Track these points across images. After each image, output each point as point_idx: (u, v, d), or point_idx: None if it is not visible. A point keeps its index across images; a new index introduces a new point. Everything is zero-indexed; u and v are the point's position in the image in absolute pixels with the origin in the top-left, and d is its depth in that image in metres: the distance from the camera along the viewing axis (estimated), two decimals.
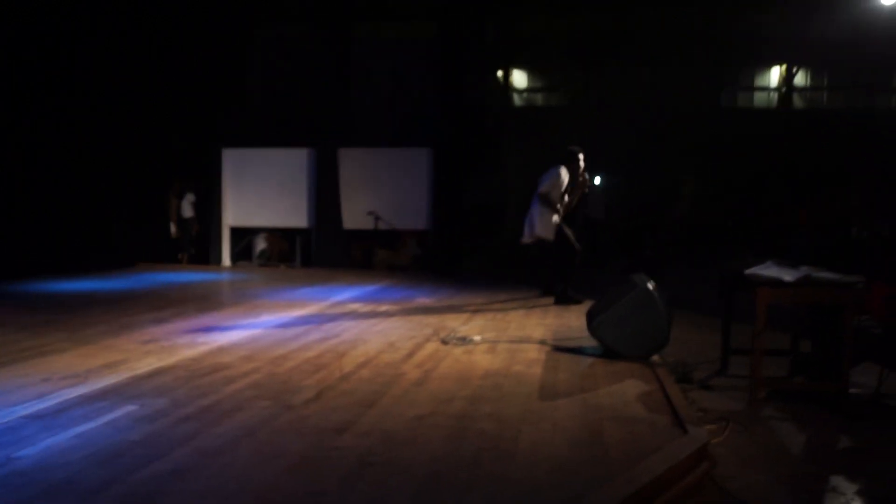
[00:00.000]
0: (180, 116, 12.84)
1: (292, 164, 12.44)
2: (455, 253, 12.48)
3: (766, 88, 19.84)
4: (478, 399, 3.93)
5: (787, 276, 4.69)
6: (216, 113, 12.75)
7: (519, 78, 20.73)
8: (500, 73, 19.83)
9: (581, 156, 8.00)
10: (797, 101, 19.70)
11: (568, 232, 8.00)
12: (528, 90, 20.87)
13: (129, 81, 11.25)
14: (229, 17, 12.89)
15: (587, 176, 8.16)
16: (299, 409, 3.65)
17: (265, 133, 13.72)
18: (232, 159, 12.56)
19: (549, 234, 7.85)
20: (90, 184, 10.67)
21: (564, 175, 7.93)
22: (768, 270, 4.80)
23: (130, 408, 3.65)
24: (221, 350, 5.17)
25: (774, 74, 19.74)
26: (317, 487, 2.68)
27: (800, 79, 19.70)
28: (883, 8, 13.85)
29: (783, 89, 19.52)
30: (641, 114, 18.46)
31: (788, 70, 19.39)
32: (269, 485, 2.70)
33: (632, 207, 16.03)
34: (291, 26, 15.14)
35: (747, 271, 4.85)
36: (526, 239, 8.12)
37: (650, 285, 5.02)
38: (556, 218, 7.82)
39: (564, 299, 7.90)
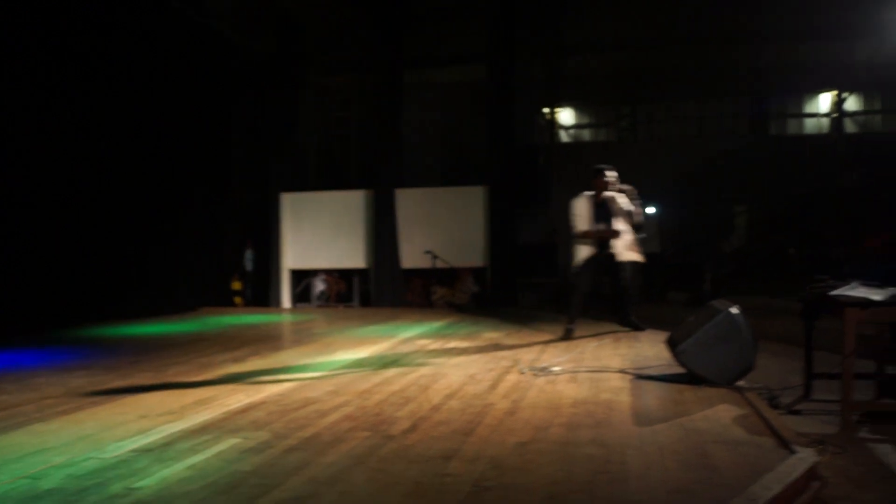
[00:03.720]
0: (237, 163, 13.23)
1: (349, 205, 12.66)
2: (511, 289, 12.50)
3: (817, 115, 19.68)
4: (575, 426, 3.92)
5: (876, 295, 4.63)
6: (272, 159, 13.06)
7: (566, 115, 20.87)
8: (546, 111, 19.97)
9: (606, 172, 7.56)
10: (849, 125, 19.48)
11: (588, 262, 7.56)
12: (576, 126, 20.99)
13: (185, 132, 11.61)
14: (283, 65, 13.26)
15: (623, 187, 7.63)
16: (400, 439, 3.68)
17: (321, 177, 14.02)
18: (290, 203, 12.82)
19: (576, 261, 7.66)
20: (151, 232, 10.96)
21: (578, 202, 7.62)
22: (855, 291, 4.74)
23: (234, 440, 3.71)
24: (306, 386, 5.23)
25: (824, 100, 19.58)
26: None
27: (851, 103, 19.50)
28: None
29: (834, 115, 19.34)
30: (690, 146, 18.47)
31: (839, 95, 19.21)
32: None
33: (686, 240, 15.90)
34: (344, 74, 15.53)
35: (833, 292, 4.80)
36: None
37: (734, 309, 4.98)
38: (583, 250, 7.54)
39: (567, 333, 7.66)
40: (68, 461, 3.41)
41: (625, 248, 7.64)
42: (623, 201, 7.59)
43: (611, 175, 7.60)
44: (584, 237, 7.57)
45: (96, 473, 3.21)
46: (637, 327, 7.99)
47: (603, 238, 7.55)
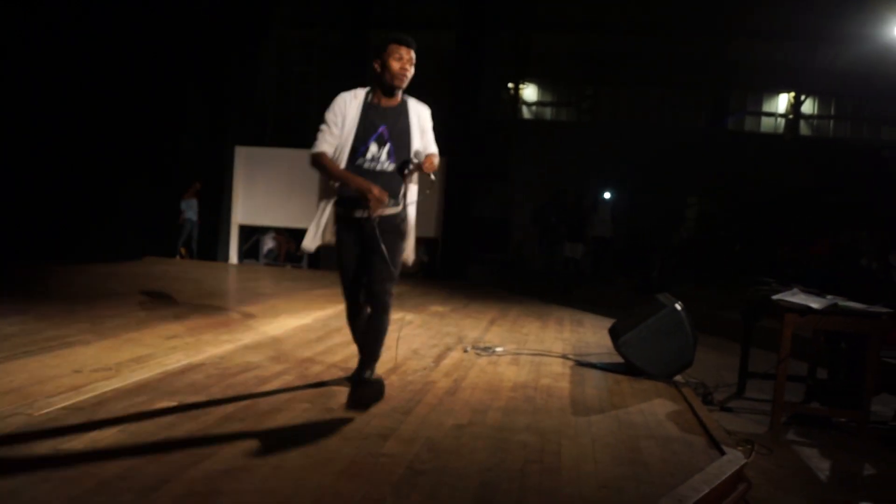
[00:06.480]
0: (193, 113, 12.90)
1: (305, 164, 12.42)
2: (462, 262, 12.53)
3: (774, 114, 20.01)
4: (512, 411, 3.96)
5: (815, 303, 4.76)
6: (229, 111, 12.78)
7: (530, 91, 20.83)
8: (511, 85, 19.92)
9: (406, 49, 3.71)
10: (804, 128, 19.87)
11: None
12: (538, 104, 20.98)
13: (142, 78, 11.25)
14: (245, 16, 12.92)
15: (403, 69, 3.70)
16: (339, 413, 3.66)
17: (277, 133, 13.79)
18: (244, 157, 12.58)
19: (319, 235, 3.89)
20: (101, 175, 10.65)
21: (341, 101, 3.75)
22: (796, 297, 4.87)
23: (169, 404, 3.65)
24: (247, 349, 5.18)
25: (782, 101, 19.91)
26: (372, 494, 2.69)
27: (807, 106, 19.87)
28: (893, 40, 14.04)
29: (790, 116, 19.68)
30: (649, 133, 18.64)
31: (796, 97, 19.56)
32: (324, 489, 2.71)
33: (637, 227, 16.11)
34: (308, 29, 15.24)
35: (775, 297, 4.91)
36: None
37: (678, 305, 5.07)
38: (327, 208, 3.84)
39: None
40: None
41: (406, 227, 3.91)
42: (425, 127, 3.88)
43: (410, 61, 3.72)
44: (320, 170, 3.76)
45: (24, 431, 3.12)
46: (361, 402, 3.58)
47: (361, 193, 3.58)
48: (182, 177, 12.78)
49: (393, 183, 3.70)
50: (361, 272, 3.82)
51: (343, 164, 3.70)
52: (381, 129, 3.71)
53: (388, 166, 3.71)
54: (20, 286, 7.76)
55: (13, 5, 9.00)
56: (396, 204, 3.76)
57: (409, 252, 3.98)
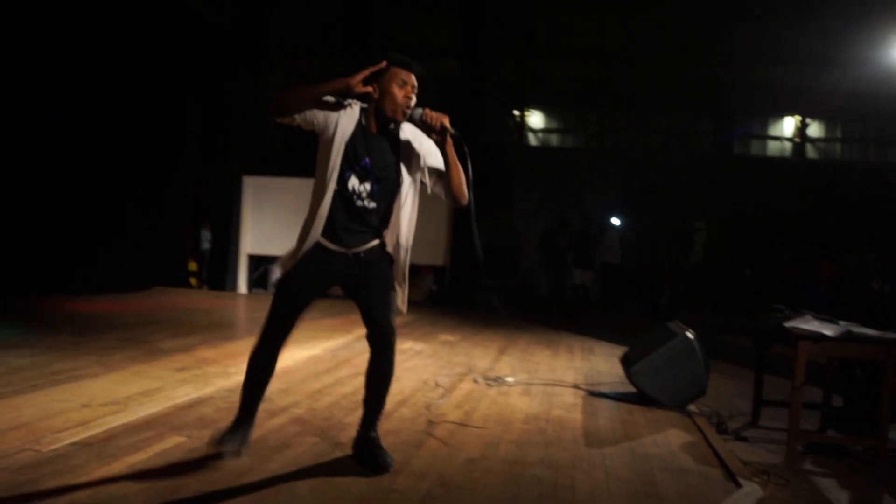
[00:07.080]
0: (198, 144, 12.96)
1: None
2: (469, 290, 12.48)
3: (780, 138, 20.03)
4: (525, 444, 3.91)
5: (829, 330, 4.69)
6: (234, 141, 12.83)
7: (535, 118, 20.92)
8: (516, 112, 20.02)
9: (409, 72, 3.24)
10: (810, 151, 19.87)
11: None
12: (544, 130, 21.06)
13: (146, 108, 11.33)
14: (248, 47, 13.03)
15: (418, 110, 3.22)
16: (349, 448, 3.62)
17: (283, 162, 13.84)
18: (252, 187, 12.61)
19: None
20: (108, 205, 10.70)
21: (321, 115, 3.26)
22: (809, 324, 4.80)
23: (178, 439, 3.62)
24: None
25: (788, 124, 19.94)
26: None
27: (813, 130, 19.89)
28: None
29: (797, 139, 19.70)
30: (655, 158, 18.66)
31: (802, 121, 19.58)
32: None
33: (645, 253, 16.07)
34: (310, 59, 15.36)
35: (788, 324, 4.86)
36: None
37: (690, 333, 5.02)
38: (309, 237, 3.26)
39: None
40: (3, 452, 3.28)
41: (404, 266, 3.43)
42: (430, 149, 3.37)
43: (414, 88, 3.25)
44: (288, 100, 3.25)
45: (32, 468, 3.10)
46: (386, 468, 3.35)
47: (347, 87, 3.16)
48: (189, 207, 12.82)
49: (375, 221, 3.29)
50: (299, 314, 3.56)
51: (330, 187, 3.16)
52: (366, 161, 3.20)
53: (370, 204, 3.23)
54: (29, 318, 7.74)
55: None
56: (380, 240, 3.34)
57: (401, 300, 3.45)
